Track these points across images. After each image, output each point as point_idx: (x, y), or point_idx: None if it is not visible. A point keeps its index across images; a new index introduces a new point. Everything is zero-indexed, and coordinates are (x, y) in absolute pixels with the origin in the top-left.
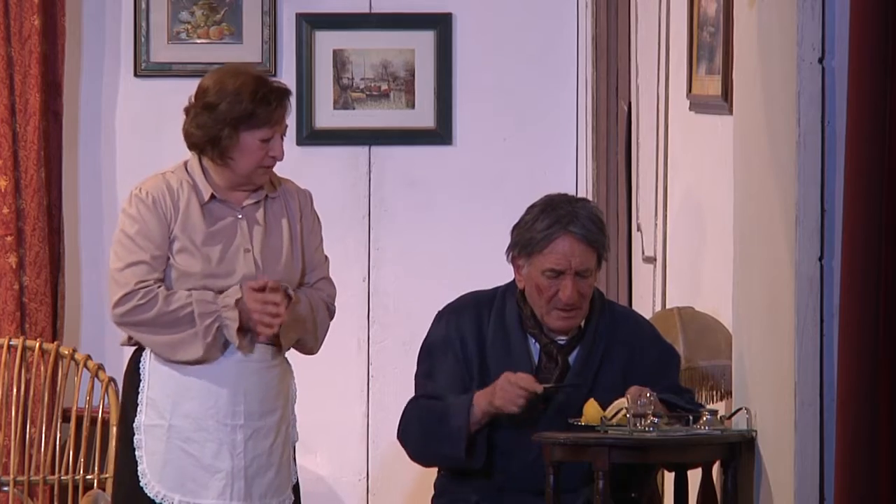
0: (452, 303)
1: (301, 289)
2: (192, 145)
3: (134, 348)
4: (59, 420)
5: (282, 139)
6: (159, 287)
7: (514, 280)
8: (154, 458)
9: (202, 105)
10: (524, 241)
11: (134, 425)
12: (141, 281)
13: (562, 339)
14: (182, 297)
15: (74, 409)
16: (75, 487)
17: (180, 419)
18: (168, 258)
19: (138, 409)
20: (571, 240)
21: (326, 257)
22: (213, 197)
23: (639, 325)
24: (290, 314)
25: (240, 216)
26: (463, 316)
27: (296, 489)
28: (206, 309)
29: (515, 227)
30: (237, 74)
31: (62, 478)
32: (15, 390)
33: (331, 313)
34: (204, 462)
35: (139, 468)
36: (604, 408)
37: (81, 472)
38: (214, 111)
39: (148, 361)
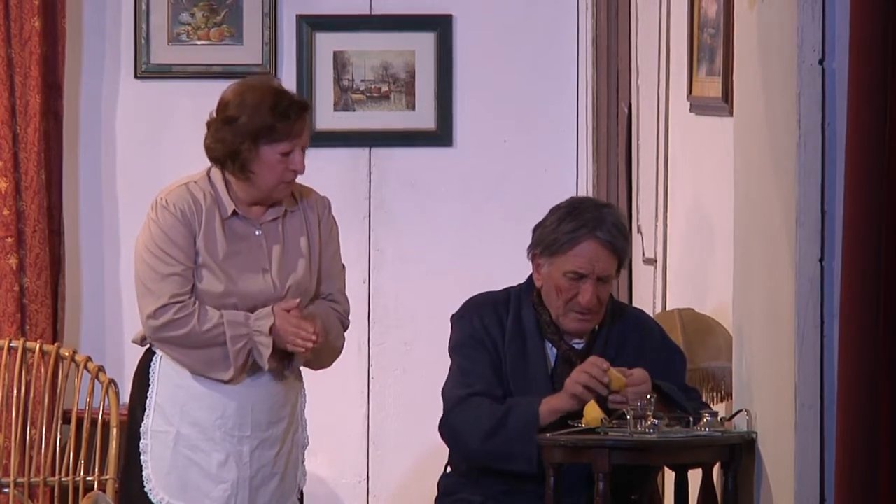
0: (469, 303)
1: (317, 303)
2: (213, 159)
3: (144, 349)
4: (60, 422)
5: (302, 152)
6: (194, 303)
7: (526, 283)
8: (160, 465)
9: (223, 119)
10: (548, 242)
11: (141, 429)
12: (175, 294)
13: (578, 344)
14: (214, 319)
15: (75, 410)
16: (75, 489)
17: (188, 427)
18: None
19: (146, 413)
20: (596, 245)
21: (343, 266)
22: (234, 213)
23: (647, 327)
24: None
25: (258, 233)
26: (485, 315)
27: (300, 493)
28: (238, 332)
29: (538, 227)
30: (257, 88)
31: (62, 479)
32: (15, 392)
33: (344, 327)
34: (210, 471)
35: (144, 473)
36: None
37: (82, 473)
38: (234, 125)
39: (158, 366)
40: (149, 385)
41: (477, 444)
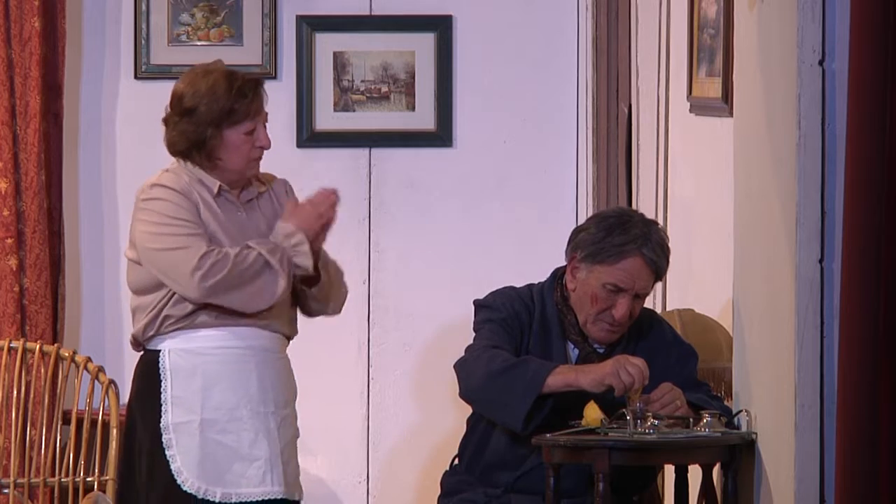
0: (498, 292)
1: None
2: (178, 153)
3: (142, 353)
4: (60, 422)
5: (265, 128)
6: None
7: (548, 281)
8: (189, 456)
9: (180, 112)
10: (593, 250)
11: (161, 426)
12: (208, 244)
13: (600, 348)
14: (244, 249)
15: (75, 411)
16: (75, 490)
17: (212, 412)
18: None
19: (162, 409)
20: (641, 262)
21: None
22: (220, 190)
23: (660, 328)
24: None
25: (240, 213)
26: (515, 304)
27: None
28: (269, 246)
29: (580, 231)
30: (207, 74)
31: (62, 480)
32: (15, 392)
33: (344, 290)
34: (241, 452)
35: (173, 467)
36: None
37: (82, 474)
38: (194, 115)
39: (167, 361)
40: (160, 381)
41: (480, 382)
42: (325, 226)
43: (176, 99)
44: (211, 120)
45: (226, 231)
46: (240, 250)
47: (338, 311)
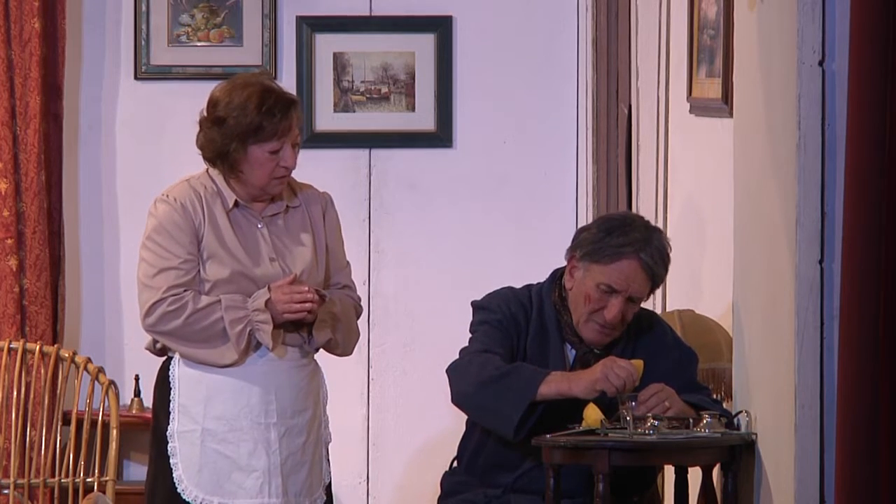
0: (495, 293)
1: (332, 291)
2: (206, 159)
3: (163, 358)
4: (60, 423)
5: (293, 148)
6: (190, 294)
7: (547, 282)
8: (189, 464)
9: (212, 119)
10: (591, 249)
11: (167, 433)
12: (171, 286)
13: (598, 349)
14: (212, 305)
15: (75, 411)
16: (75, 490)
17: (213, 421)
18: (198, 265)
19: (170, 417)
20: (637, 265)
21: (348, 262)
22: (236, 204)
23: (661, 329)
24: (324, 310)
25: (260, 226)
26: (512, 306)
27: (328, 489)
28: (236, 315)
29: (583, 230)
30: (246, 86)
31: (62, 481)
32: (15, 393)
33: (357, 315)
34: (240, 462)
35: (175, 475)
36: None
37: (82, 475)
38: (223, 125)
39: (177, 369)
40: (170, 389)
41: (472, 389)
42: (294, 317)
43: (211, 105)
44: (237, 134)
45: (231, 246)
46: (205, 306)
47: (346, 354)
